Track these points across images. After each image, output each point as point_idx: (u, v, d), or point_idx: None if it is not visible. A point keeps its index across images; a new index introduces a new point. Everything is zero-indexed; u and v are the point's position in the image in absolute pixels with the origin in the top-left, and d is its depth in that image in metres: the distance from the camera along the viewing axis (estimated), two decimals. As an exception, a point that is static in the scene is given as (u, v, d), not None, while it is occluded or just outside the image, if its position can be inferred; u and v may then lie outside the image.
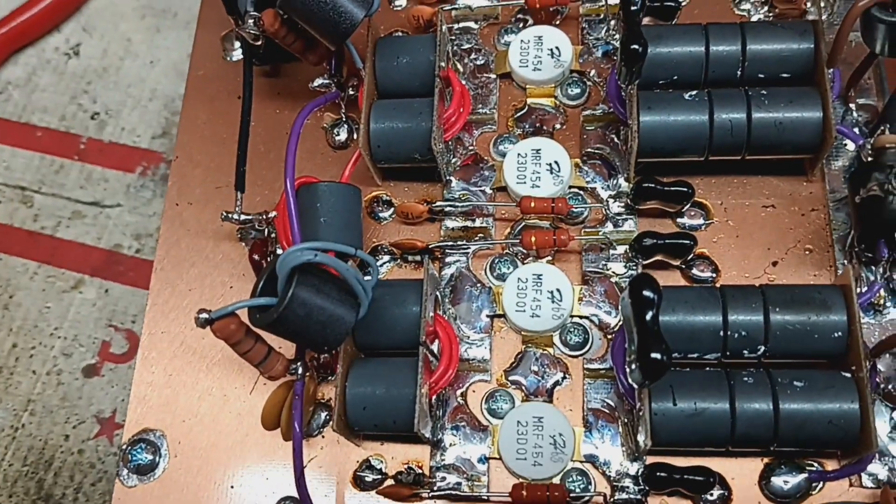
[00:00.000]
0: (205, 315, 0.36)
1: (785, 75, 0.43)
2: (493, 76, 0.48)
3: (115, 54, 0.68)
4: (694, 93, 0.42)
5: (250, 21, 0.42)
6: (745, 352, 0.38)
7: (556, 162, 0.44)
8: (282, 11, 0.42)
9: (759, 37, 0.43)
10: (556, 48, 0.47)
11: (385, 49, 0.46)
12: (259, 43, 0.43)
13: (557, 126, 0.47)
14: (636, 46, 0.38)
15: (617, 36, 0.48)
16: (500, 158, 0.46)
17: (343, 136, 0.48)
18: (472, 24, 0.49)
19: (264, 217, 0.44)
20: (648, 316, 0.33)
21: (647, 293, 0.34)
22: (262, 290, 0.37)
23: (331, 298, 0.36)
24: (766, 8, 0.47)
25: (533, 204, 0.43)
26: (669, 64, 0.43)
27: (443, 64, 0.44)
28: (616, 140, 0.46)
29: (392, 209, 0.46)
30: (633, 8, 0.39)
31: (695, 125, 0.42)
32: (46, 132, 0.66)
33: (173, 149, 0.50)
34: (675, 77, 0.43)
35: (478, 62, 0.48)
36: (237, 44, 0.50)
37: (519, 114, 0.47)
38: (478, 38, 0.49)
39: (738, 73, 0.43)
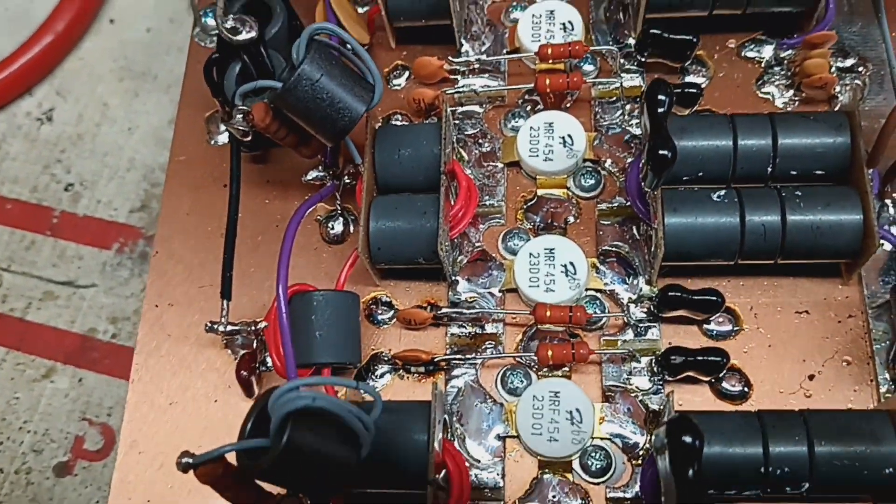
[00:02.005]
0: (187, 460, 0.32)
1: (819, 172, 0.39)
2: (501, 164, 0.44)
3: (91, 119, 0.63)
4: (723, 192, 0.38)
5: (238, 116, 0.38)
6: (788, 489, 0.34)
7: (571, 263, 0.40)
8: (273, 106, 0.38)
9: (790, 130, 0.39)
10: (569, 136, 0.43)
11: (385, 140, 0.41)
12: (248, 138, 0.39)
13: (570, 220, 0.43)
14: (665, 152, 0.34)
15: (634, 122, 0.44)
16: (510, 256, 0.42)
17: (339, 228, 0.44)
18: (476, 108, 0.45)
19: (253, 328, 0.39)
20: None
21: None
22: (251, 429, 0.33)
23: (329, 440, 0.32)
24: (791, 92, 0.44)
25: (549, 313, 0.39)
26: (695, 159, 0.39)
27: (448, 159, 0.40)
28: (636, 235, 0.42)
29: (393, 311, 0.42)
30: (660, 110, 0.35)
31: (725, 229, 0.38)
32: (17, 204, 0.61)
33: (153, 222, 0.46)
34: (701, 173, 0.40)
35: (483, 149, 0.44)
36: (223, 126, 0.46)
37: (529, 205, 0.43)
38: (483, 122, 0.45)
39: (769, 169, 0.39)
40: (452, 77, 0.46)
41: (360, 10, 0.49)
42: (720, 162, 0.39)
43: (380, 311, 0.42)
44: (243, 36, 0.41)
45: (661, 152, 0.34)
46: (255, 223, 0.44)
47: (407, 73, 0.47)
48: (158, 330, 0.43)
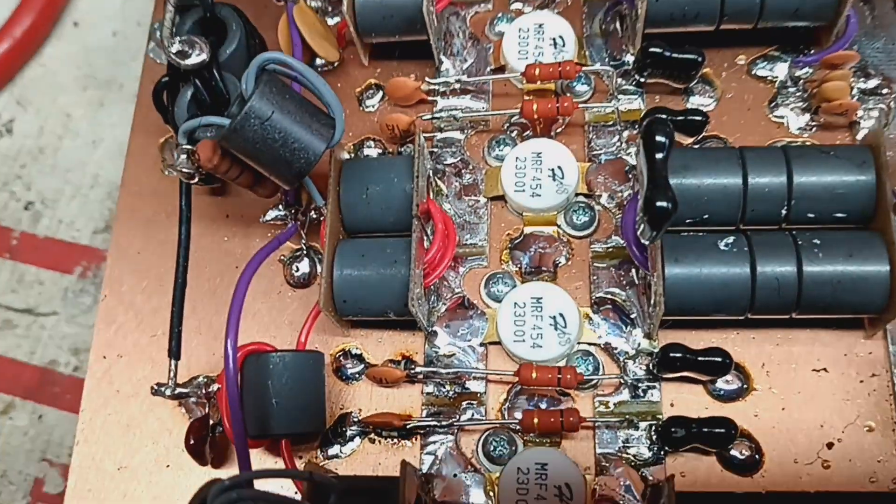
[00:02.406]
0: None
1: (840, 215, 0.34)
2: (483, 199, 0.39)
3: (53, 132, 0.59)
4: (731, 240, 0.34)
5: (182, 156, 0.34)
6: None
7: (560, 315, 0.36)
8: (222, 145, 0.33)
9: (807, 168, 0.34)
10: (559, 168, 0.38)
11: (351, 176, 0.37)
12: (195, 181, 0.34)
13: (561, 261, 0.38)
14: (663, 204, 0.29)
15: (632, 150, 0.39)
16: (494, 304, 0.37)
17: (305, 269, 0.39)
18: (456, 135, 0.40)
19: (204, 392, 0.35)
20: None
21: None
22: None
23: None
24: (807, 116, 0.39)
25: (535, 375, 0.34)
26: (699, 200, 0.35)
27: (421, 198, 0.36)
28: (634, 280, 0.37)
29: (363, 366, 0.37)
30: (658, 155, 0.30)
31: (733, 281, 0.33)
32: (-26, 225, 0.57)
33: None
34: (707, 215, 0.35)
35: (465, 181, 0.40)
36: (180, 156, 0.41)
37: (515, 244, 0.39)
38: (464, 150, 0.40)
39: (784, 211, 0.34)
40: (431, 99, 0.41)
41: (330, 21, 0.44)
42: (728, 203, 0.35)
43: (349, 365, 0.37)
44: (193, 60, 0.37)
45: (658, 204, 0.29)
46: (213, 265, 0.40)
47: (381, 94, 0.42)
48: (106, 385, 0.38)
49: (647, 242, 0.32)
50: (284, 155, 0.33)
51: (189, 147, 0.34)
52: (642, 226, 0.30)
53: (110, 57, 0.60)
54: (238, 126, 0.32)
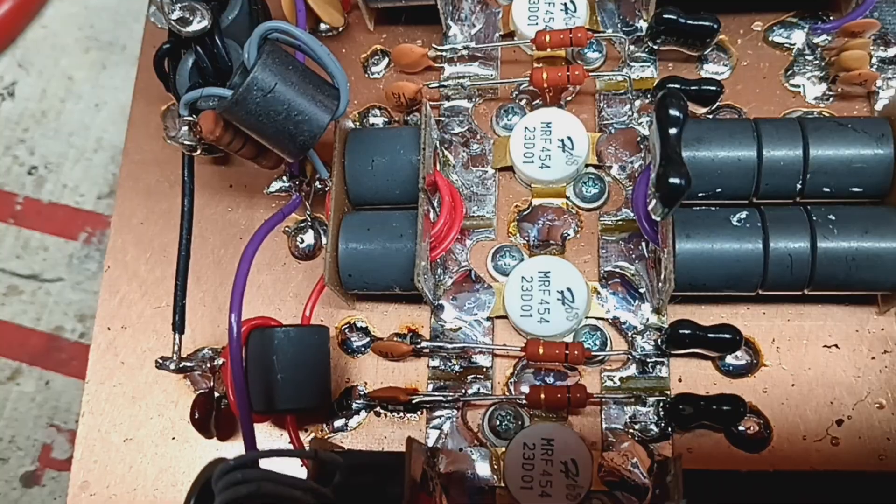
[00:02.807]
0: None
1: (856, 189, 0.34)
2: (491, 170, 0.39)
3: (56, 95, 0.58)
4: (744, 215, 0.33)
5: (184, 128, 0.33)
6: None
7: (568, 289, 0.35)
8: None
9: (824, 140, 0.33)
10: (568, 139, 0.37)
11: (357, 147, 0.36)
12: (197, 152, 0.34)
13: (570, 234, 0.37)
14: (677, 181, 0.29)
15: (644, 120, 0.38)
16: (501, 278, 0.37)
17: (309, 241, 0.39)
18: (464, 103, 0.40)
19: (208, 365, 0.35)
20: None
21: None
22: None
23: None
24: (824, 85, 0.38)
25: (542, 350, 0.34)
26: (713, 173, 0.34)
27: (428, 170, 0.35)
28: (644, 253, 0.36)
29: (369, 339, 0.37)
30: (672, 130, 0.29)
31: (745, 257, 0.33)
32: (-23, 190, 0.56)
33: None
34: (719, 189, 0.34)
35: (472, 151, 0.39)
36: (181, 128, 0.40)
37: (523, 215, 0.38)
38: (472, 119, 0.39)
39: (798, 185, 0.34)
40: (438, 66, 0.40)
41: (337, -16, 0.43)
42: (742, 177, 0.34)
43: (355, 338, 0.37)
44: (194, 27, 0.36)
45: (671, 181, 0.28)
46: (217, 235, 0.39)
47: (387, 60, 0.41)
48: (111, 357, 0.38)
49: (658, 219, 0.31)
50: (288, 127, 0.32)
51: (191, 119, 0.33)
52: (654, 202, 0.30)
53: (112, 18, 0.59)
54: (240, 98, 0.31)
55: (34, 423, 0.51)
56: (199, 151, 0.34)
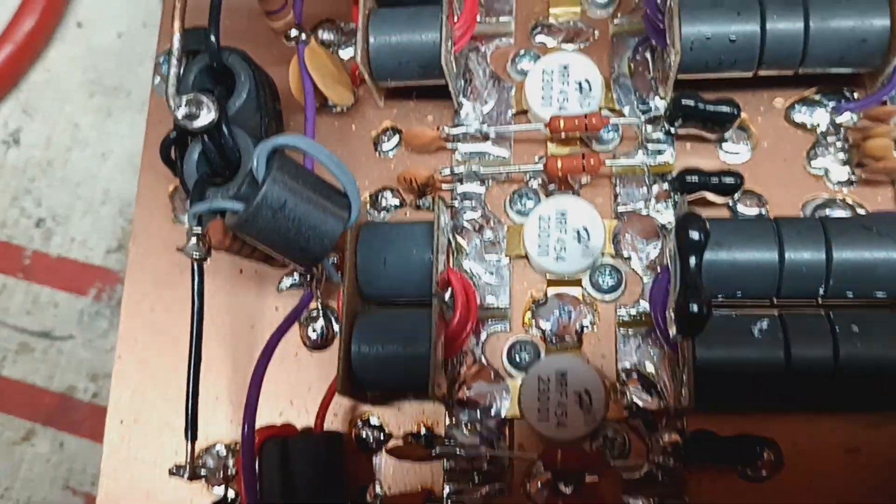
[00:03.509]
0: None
1: (880, 294, 0.33)
2: (506, 258, 0.38)
3: (61, 143, 0.57)
4: (765, 325, 0.32)
5: (192, 240, 0.32)
6: None
7: (585, 392, 0.35)
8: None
9: (847, 245, 0.33)
10: (584, 229, 0.37)
11: (369, 245, 0.35)
12: (207, 262, 0.33)
13: (585, 324, 0.37)
14: (696, 310, 0.28)
15: (662, 206, 0.37)
16: (515, 374, 0.36)
17: (321, 331, 0.38)
18: (476, 188, 0.39)
19: (221, 474, 0.34)
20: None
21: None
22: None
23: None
24: (848, 168, 0.37)
25: (560, 455, 0.34)
26: (732, 277, 0.33)
27: (442, 267, 0.34)
28: (665, 348, 0.36)
29: (383, 435, 0.37)
30: (692, 258, 0.28)
31: (767, 367, 0.32)
32: (-14, 242, 0.56)
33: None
34: (740, 292, 0.33)
35: (486, 238, 0.38)
36: (189, 240, 0.39)
37: (538, 306, 0.37)
38: (485, 204, 0.39)
39: (821, 289, 0.33)
40: (451, 146, 0.39)
41: (345, 54, 0.42)
42: (763, 280, 0.33)
43: (369, 436, 0.37)
44: (201, 122, 0.35)
45: (691, 310, 0.28)
46: (228, 323, 0.39)
47: (398, 137, 0.40)
48: (125, 451, 0.38)
49: (676, 341, 0.30)
50: (299, 241, 0.32)
51: (199, 231, 0.32)
52: (673, 328, 0.29)
53: (116, 61, 0.58)
54: (250, 217, 0.31)
55: (50, 485, 0.51)
56: (208, 261, 0.33)
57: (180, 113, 0.34)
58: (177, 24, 0.35)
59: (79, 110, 0.57)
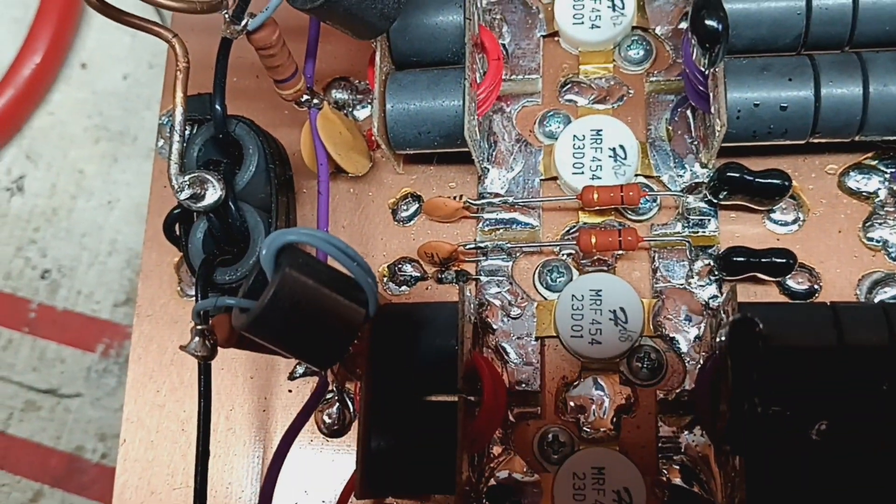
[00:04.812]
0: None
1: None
2: (534, 338, 0.35)
3: (66, 191, 0.55)
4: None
5: (196, 339, 0.30)
6: None
7: (627, 489, 0.32)
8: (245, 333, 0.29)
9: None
10: (621, 310, 0.34)
11: (388, 334, 0.33)
12: (213, 359, 0.31)
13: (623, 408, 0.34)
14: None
15: (703, 284, 0.34)
16: (550, 468, 0.34)
17: (337, 417, 0.36)
18: (502, 262, 0.36)
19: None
20: None
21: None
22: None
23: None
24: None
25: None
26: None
27: (467, 356, 0.32)
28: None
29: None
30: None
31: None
32: (-10, 294, 0.54)
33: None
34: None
35: (513, 315, 0.35)
36: (193, 339, 0.37)
37: (572, 387, 0.34)
38: (512, 278, 0.36)
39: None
40: (474, 215, 0.36)
41: (361, 114, 0.39)
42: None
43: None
44: (206, 202, 0.32)
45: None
46: (238, 404, 0.36)
47: (417, 205, 0.37)
48: (131, 531, 0.35)
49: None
50: (312, 342, 0.29)
51: (203, 328, 0.29)
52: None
53: (122, 104, 0.56)
54: (258, 320, 0.28)
55: (58, 552, 0.49)
56: (214, 359, 0.30)
57: (183, 195, 0.32)
58: (179, 96, 0.33)
59: (84, 156, 0.55)
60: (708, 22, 0.30)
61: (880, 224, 0.34)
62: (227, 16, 0.32)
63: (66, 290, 0.53)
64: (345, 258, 0.28)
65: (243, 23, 0.31)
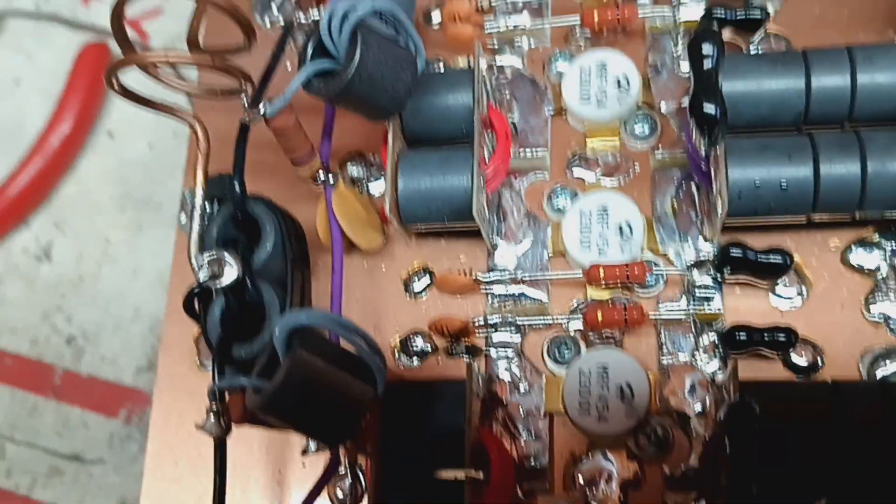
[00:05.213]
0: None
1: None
2: (544, 418, 0.36)
3: (92, 258, 0.56)
4: None
5: (211, 420, 0.31)
6: None
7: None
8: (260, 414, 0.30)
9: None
10: (628, 385, 0.34)
11: (396, 409, 0.33)
12: (229, 437, 0.32)
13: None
14: None
15: (710, 362, 0.35)
16: (557, 541, 0.34)
17: (348, 490, 0.36)
18: (510, 337, 0.37)
19: None
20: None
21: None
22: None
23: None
24: None
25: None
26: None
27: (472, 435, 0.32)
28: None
29: None
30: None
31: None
32: (17, 360, 0.55)
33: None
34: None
35: (521, 390, 0.36)
36: (209, 419, 0.37)
37: (581, 463, 0.35)
38: (521, 354, 0.36)
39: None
40: (485, 289, 0.37)
41: (375, 188, 0.40)
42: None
43: None
44: (224, 280, 0.33)
45: None
46: (252, 476, 0.37)
47: (429, 278, 0.38)
48: None
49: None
50: (323, 422, 0.30)
51: (216, 409, 0.30)
52: None
53: (147, 173, 0.57)
54: (269, 402, 0.29)
55: None
56: (229, 435, 0.31)
57: (202, 275, 0.33)
58: (199, 179, 0.34)
59: (110, 225, 0.57)
60: (706, 107, 0.31)
61: (882, 299, 0.34)
62: (245, 104, 0.34)
63: (90, 355, 0.54)
64: (354, 338, 0.29)
65: (262, 111, 0.33)
